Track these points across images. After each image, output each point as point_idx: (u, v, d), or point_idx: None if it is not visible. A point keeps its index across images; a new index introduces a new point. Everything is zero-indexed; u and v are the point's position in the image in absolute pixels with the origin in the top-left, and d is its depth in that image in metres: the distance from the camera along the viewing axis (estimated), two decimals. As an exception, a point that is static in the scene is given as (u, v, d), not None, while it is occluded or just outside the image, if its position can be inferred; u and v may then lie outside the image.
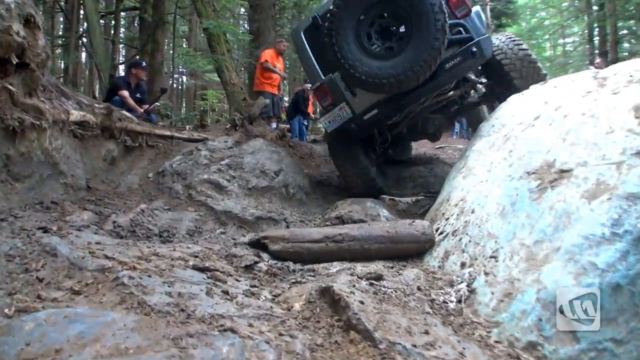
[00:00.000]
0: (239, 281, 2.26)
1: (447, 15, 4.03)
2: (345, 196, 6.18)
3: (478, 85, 5.27)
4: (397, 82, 4.16)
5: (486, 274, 2.62)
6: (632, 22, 16.62)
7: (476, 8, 5.06)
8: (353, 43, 4.25)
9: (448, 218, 3.37)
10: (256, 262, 2.67)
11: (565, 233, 2.38)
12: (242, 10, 22.19)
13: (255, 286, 2.23)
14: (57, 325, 1.40)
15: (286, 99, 14.87)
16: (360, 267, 2.83)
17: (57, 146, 3.13)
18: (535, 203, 2.73)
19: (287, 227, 4.08)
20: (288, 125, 10.59)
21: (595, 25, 19.70)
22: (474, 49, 4.30)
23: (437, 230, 3.35)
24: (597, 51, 21.29)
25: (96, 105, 3.80)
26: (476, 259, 2.77)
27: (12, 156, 2.68)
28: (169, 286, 1.88)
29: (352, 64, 4.23)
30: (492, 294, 2.48)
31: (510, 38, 5.28)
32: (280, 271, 2.75)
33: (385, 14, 4.26)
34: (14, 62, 2.59)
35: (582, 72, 4.37)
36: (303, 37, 5.10)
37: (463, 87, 5.03)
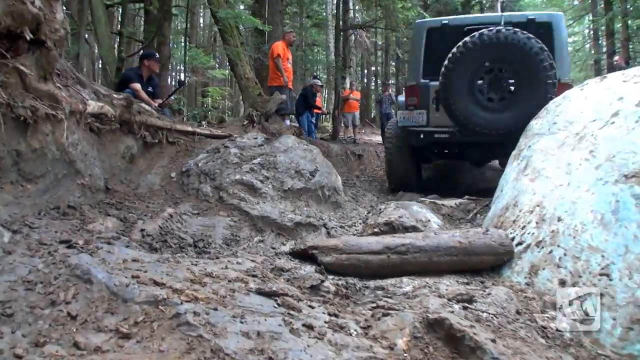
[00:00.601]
0: (313, 307, 1.80)
1: (555, 73, 4.38)
2: (374, 197, 5.75)
3: None
4: (509, 133, 4.37)
5: (600, 295, 2.18)
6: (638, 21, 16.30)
7: None
8: (467, 98, 4.55)
9: (524, 226, 2.92)
10: (322, 281, 2.20)
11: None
12: (242, 6, 21.76)
13: (335, 314, 1.77)
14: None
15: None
16: (441, 285, 2.38)
17: (73, 141, 2.65)
18: (646, 211, 2.30)
19: (328, 233, 3.64)
20: (296, 123, 10.15)
21: (601, 25, 19.34)
22: None
23: (512, 240, 2.91)
24: (603, 50, 20.98)
25: (115, 96, 3.33)
26: (580, 277, 2.32)
27: (23, 152, 2.22)
28: (241, 322, 1.42)
29: (465, 116, 4.57)
30: (614, 319, 2.05)
31: None
32: (348, 291, 2.30)
33: (499, 68, 4.56)
34: (28, 38, 2.11)
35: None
36: (425, 34, 5.26)
37: None
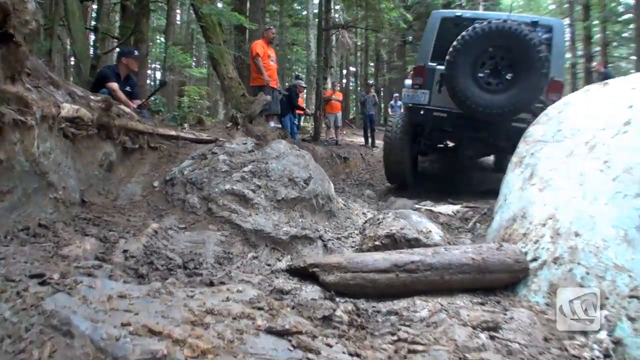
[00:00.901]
0: (330, 346, 1.57)
1: (550, 64, 4.85)
2: (365, 203, 5.55)
3: None
4: (504, 113, 4.96)
5: (631, 319, 2.02)
6: (617, 27, 16.68)
7: None
8: (469, 78, 4.99)
9: (537, 240, 2.75)
10: (334, 310, 1.97)
11: None
12: (220, 4, 21.30)
13: (356, 354, 1.55)
14: None
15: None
16: (460, 310, 2.17)
17: (45, 150, 2.35)
18: (672, 229, 2.16)
19: (325, 246, 3.40)
20: (279, 124, 9.89)
21: (579, 29, 19.68)
22: None
23: (525, 255, 2.73)
24: (579, 53, 21.39)
25: (92, 97, 3.02)
26: (607, 298, 2.16)
27: (-14, 165, 1.91)
28: (257, 379, 1.18)
29: (466, 95, 4.99)
30: (650, 347, 1.90)
31: None
32: (361, 319, 2.07)
33: (501, 56, 5.04)
34: (-8, 32, 1.81)
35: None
36: (438, 22, 5.74)
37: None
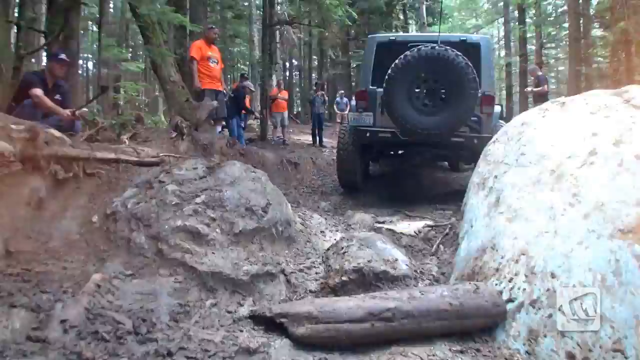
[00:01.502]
0: None
1: (479, 84, 5.13)
2: (321, 218, 5.36)
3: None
4: (442, 133, 5.24)
5: (617, 377, 1.97)
6: (551, 29, 17.60)
7: (497, 109, 6.29)
8: (406, 102, 5.24)
9: (512, 279, 2.67)
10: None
11: None
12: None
13: None
14: None
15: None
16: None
17: (-44, 202, 1.94)
18: (651, 276, 2.13)
19: (288, 281, 3.18)
20: (223, 123, 9.49)
21: (514, 29, 20.54)
22: (475, 141, 5.29)
23: (501, 294, 2.65)
24: (512, 52, 22.40)
25: (13, 127, 2.57)
26: (590, 351, 2.10)
27: None
28: None
29: (405, 119, 5.24)
30: (638, 408, 1.85)
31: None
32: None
33: (433, 79, 5.26)
34: None
35: (602, 92, 3.90)
36: (375, 47, 6.07)
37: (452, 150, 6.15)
